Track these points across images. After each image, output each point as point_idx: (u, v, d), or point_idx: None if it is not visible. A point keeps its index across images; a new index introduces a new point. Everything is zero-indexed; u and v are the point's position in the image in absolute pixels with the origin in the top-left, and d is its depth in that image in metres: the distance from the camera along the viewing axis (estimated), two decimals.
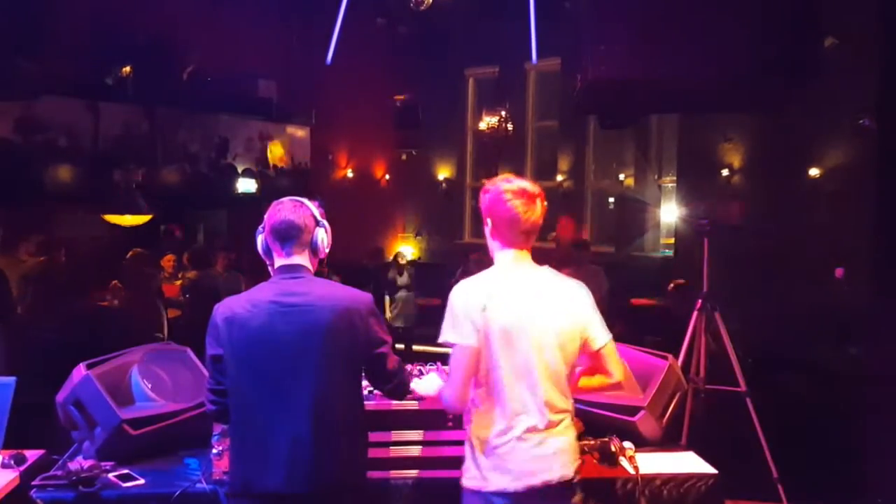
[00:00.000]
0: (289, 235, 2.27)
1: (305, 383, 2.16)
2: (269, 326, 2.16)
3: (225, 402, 2.23)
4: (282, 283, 2.25)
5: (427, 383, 2.57)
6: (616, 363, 2.37)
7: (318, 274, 2.34)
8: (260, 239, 2.34)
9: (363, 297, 2.28)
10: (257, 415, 2.17)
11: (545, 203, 2.37)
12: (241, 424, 2.21)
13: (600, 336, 2.33)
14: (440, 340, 2.28)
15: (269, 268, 2.35)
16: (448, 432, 2.70)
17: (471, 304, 2.23)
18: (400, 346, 8.68)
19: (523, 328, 2.24)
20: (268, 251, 2.33)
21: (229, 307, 2.23)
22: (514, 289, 2.28)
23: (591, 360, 2.36)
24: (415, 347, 8.74)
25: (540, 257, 2.41)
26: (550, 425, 2.26)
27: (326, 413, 2.17)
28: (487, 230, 2.38)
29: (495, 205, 2.32)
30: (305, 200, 2.36)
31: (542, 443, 2.25)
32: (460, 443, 2.41)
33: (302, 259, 2.29)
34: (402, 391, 2.41)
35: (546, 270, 2.37)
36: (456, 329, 2.24)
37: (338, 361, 2.19)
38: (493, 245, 2.38)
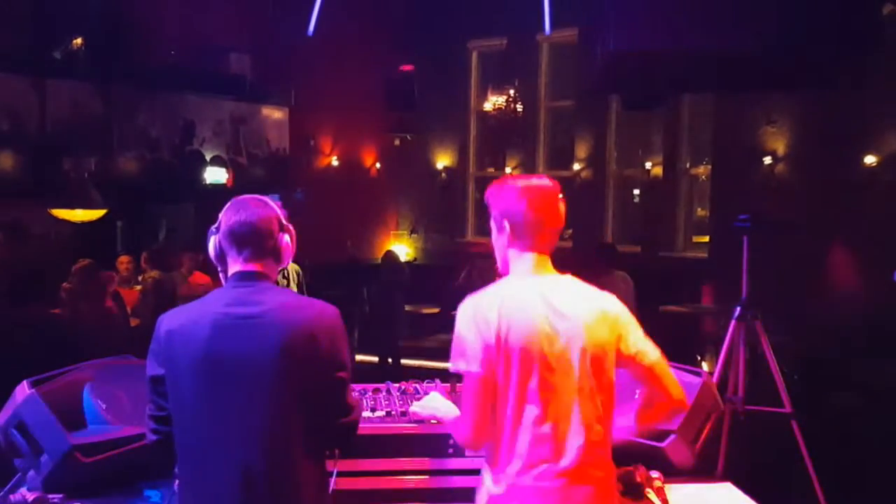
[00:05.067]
0: (248, 240, 2.25)
1: (257, 407, 2.14)
2: (214, 341, 2.14)
3: (168, 431, 2.20)
4: (233, 291, 2.23)
5: (431, 402, 2.55)
6: (673, 381, 2.32)
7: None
8: (213, 241, 2.31)
9: (327, 311, 2.25)
10: (203, 444, 2.15)
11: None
12: (186, 456, 2.20)
13: (649, 350, 2.29)
14: (450, 368, 2.26)
15: (221, 275, 2.33)
16: (451, 461, 2.70)
17: (481, 324, 2.21)
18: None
19: (548, 348, 2.20)
20: (221, 256, 2.30)
21: (174, 318, 2.22)
22: (532, 302, 2.24)
23: (642, 382, 2.32)
24: (403, 362, 8.80)
25: (557, 258, 2.39)
26: (579, 463, 2.22)
27: (281, 441, 2.16)
28: (502, 236, 2.35)
29: (513, 205, 2.31)
30: (269, 200, 2.34)
31: (569, 485, 2.20)
32: (467, 472, 2.40)
33: (261, 267, 2.27)
34: (353, 433, 2.33)
35: (569, 279, 2.34)
36: (464, 355, 2.22)
37: (295, 382, 2.16)
38: (508, 252, 2.36)
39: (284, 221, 2.33)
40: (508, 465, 2.22)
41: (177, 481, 2.48)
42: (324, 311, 2.24)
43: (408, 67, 11.53)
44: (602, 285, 2.40)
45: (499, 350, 2.19)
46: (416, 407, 2.65)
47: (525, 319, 2.21)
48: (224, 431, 2.15)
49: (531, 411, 2.20)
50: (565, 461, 2.20)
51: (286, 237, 2.32)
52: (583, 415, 2.22)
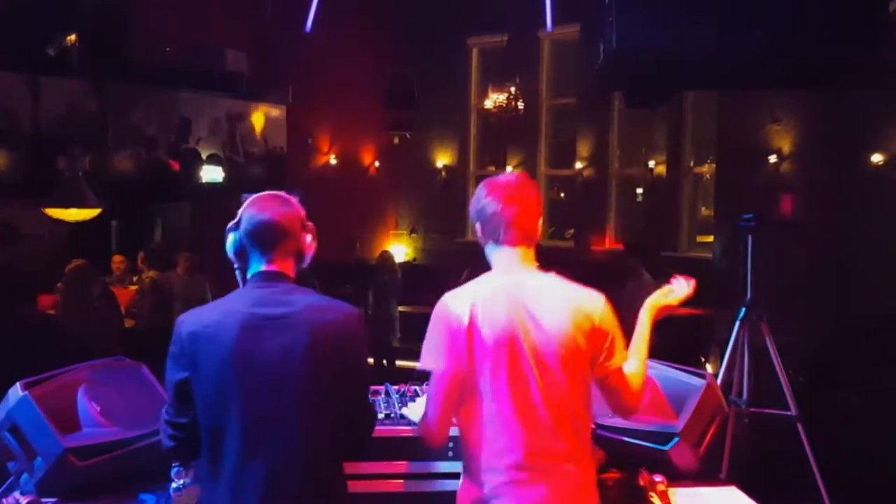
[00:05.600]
0: (272, 239, 2.25)
1: (287, 408, 2.15)
2: (242, 343, 2.14)
3: (187, 437, 2.20)
4: (258, 291, 2.23)
5: (421, 407, 2.57)
6: (631, 393, 2.34)
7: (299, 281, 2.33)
8: (233, 238, 2.30)
9: (352, 313, 2.27)
10: (229, 448, 2.15)
11: (540, 193, 2.42)
12: (212, 460, 2.19)
13: (616, 358, 2.31)
14: (418, 367, 2.29)
15: (239, 273, 2.32)
16: (451, 464, 2.70)
17: (452, 320, 2.23)
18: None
19: (519, 345, 2.22)
20: (241, 254, 2.30)
21: (196, 319, 2.20)
22: (506, 298, 2.26)
23: (597, 383, 2.34)
24: (401, 363, 8.84)
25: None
26: (557, 460, 2.24)
27: (310, 442, 2.17)
28: (480, 238, 2.42)
29: (479, 203, 2.38)
30: (291, 198, 2.34)
31: (545, 485, 2.21)
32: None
33: (284, 267, 2.28)
34: (370, 435, 2.37)
35: (550, 276, 2.36)
36: (432, 352, 2.25)
37: (322, 383, 2.18)
38: (486, 251, 2.42)
39: (306, 220, 2.33)
40: (484, 464, 2.24)
41: (176, 482, 2.48)
42: (350, 313, 2.26)
43: (392, 72, 11.60)
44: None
45: (470, 347, 2.21)
46: (405, 410, 2.70)
47: (498, 316, 2.23)
48: (253, 432, 2.15)
49: (505, 408, 2.22)
50: (542, 458, 2.22)
51: (308, 237, 2.32)
52: (559, 411, 2.24)
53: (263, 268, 2.26)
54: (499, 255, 2.37)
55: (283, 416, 2.15)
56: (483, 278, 2.36)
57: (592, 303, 2.32)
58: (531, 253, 2.37)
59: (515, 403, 2.22)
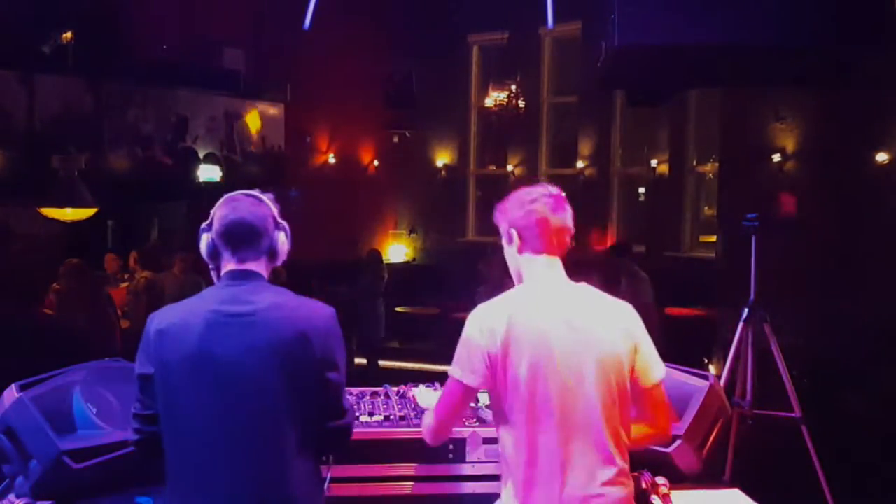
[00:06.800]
0: (244, 239, 2.27)
1: (248, 406, 2.15)
2: (206, 340, 2.15)
3: (153, 431, 2.22)
4: (226, 289, 2.25)
5: (432, 398, 2.58)
6: (665, 411, 2.34)
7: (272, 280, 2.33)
8: (206, 239, 2.32)
9: (321, 311, 2.26)
10: (193, 444, 2.17)
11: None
12: (175, 457, 2.21)
13: (655, 371, 2.29)
14: (448, 371, 2.27)
15: (213, 273, 2.34)
16: (451, 466, 2.70)
17: (486, 334, 2.20)
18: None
19: (556, 360, 2.19)
20: (214, 254, 2.32)
21: (164, 317, 2.23)
22: (543, 311, 2.23)
23: (636, 401, 2.31)
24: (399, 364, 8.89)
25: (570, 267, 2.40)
26: (595, 481, 2.19)
27: (272, 442, 2.17)
28: (512, 246, 2.38)
29: (517, 211, 2.36)
30: (263, 196, 2.35)
31: (584, 502, 2.17)
32: (467, 478, 2.40)
33: (256, 266, 2.29)
34: (346, 437, 2.35)
35: (584, 287, 2.35)
36: (464, 364, 2.23)
37: (285, 382, 2.17)
38: (520, 260, 2.38)
39: (279, 219, 2.34)
40: (520, 483, 2.20)
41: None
42: (317, 311, 2.26)
43: (392, 70, 11.58)
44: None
45: (504, 361, 2.18)
46: (416, 392, 2.84)
47: (535, 330, 2.21)
48: (215, 430, 2.16)
49: (542, 425, 2.18)
50: (580, 478, 2.18)
51: (281, 235, 2.33)
52: (598, 428, 2.20)
53: (234, 266, 2.28)
54: (536, 264, 2.34)
55: (246, 415, 2.15)
56: (520, 290, 2.34)
57: (629, 314, 2.32)
58: (561, 265, 2.37)
59: (558, 421, 2.18)
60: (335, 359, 2.24)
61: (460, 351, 2.25)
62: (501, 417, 2.23)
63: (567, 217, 2.38)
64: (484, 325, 2.22)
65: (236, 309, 2.19)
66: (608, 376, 2.21)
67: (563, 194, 2.41)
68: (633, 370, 2.26)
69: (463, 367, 2.22)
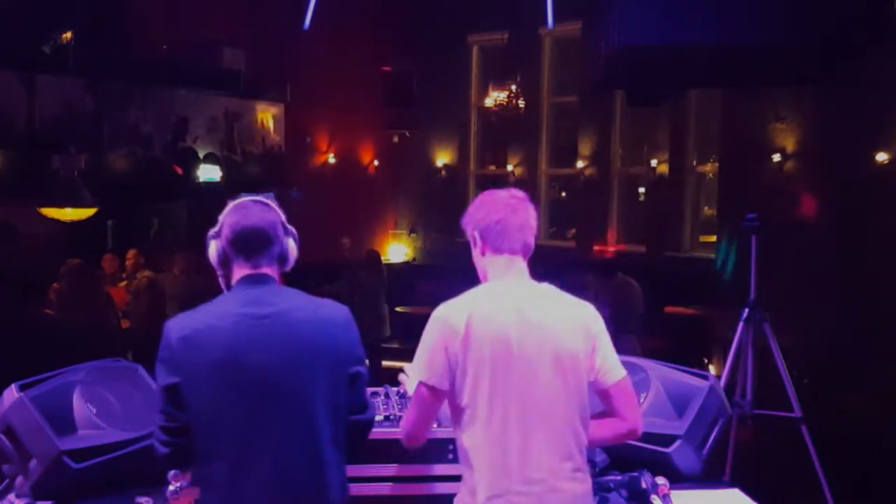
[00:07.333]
0: (257, 245, 2.27)
1: (286, 406, 2.16)
2: (238, 343, 2.16)
3: (181, 443, 2.19)
4: (247, 292, 2.25)
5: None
6: (633, 405, 2.37)
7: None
8: (214, 245, 2.32)
9: (341, 310, 2.32)
10: (230, 450, 2.16)
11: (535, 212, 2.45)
12: (209, 464, 2.18)
13: (614, 369, 2.33)
14: (403, 372, 2.33)
15: (221, 280, 2.34)
16: (452, 466, 2.69)
17: (447, 332, 2.24)
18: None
19: (519, 355, 2.23)
20: (224, 261, 2.31)
21: (185, 324, 2.21)
22: (504, 308, 2.27)
23: (601, 401, 2.35)
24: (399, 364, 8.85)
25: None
26: (553, 474, 2.23)
27: (310, 440, 2.18)
28: (476, 248, 2.44)
29: (477, 213, 2.43)
30: (270, 201, 2.35)
31: (542, 496, 2.20)
32: None
33: (270, 271, 2.31)
34: (367, 432, 2.39)
35: (546, 286, 2.38)
36: (423, 363, 2.27)
37: (317, 379, 2.20)
38: (484, 262, 2.43)
39: (287, 225, 2.35)
40: (480, 478, 2.23)
41: (174, 485, 2.47)
42: (337, 310, 2.32)
43: (391, 69, 11.56)
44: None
45: (465, 359, 2.22)
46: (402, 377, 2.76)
47: (495, 327, 2.24)
48: (252, 432, 2.16)
49: (502, 420, 2.22)
50: (539, 472, 2.22)
51: (291, 241, 2.35)
52: (556, 424, 2.24)
53: (250, 271, 2.28)
54: (498, 264, 2.39)
55: (281, 418, 2.16)
56: (481, 288, 2.38)
57: (590, 314, 2.36)
58: (525, 265, 2.41)
59: (516, 417, 2.22)
60: (359, 353, 2.30)
61: (420, 352, 2.29)
62: (460, 413, 2.26)
63: (529, 217, 2.41)
64: (446, 324, 2.26)
65: (263, 311, 2.20)
66: (565, 373, 2.26)
67: (527, 196, 2.45)
68: (594, 369, 2.31)
69: (423, 366, 2.27)
